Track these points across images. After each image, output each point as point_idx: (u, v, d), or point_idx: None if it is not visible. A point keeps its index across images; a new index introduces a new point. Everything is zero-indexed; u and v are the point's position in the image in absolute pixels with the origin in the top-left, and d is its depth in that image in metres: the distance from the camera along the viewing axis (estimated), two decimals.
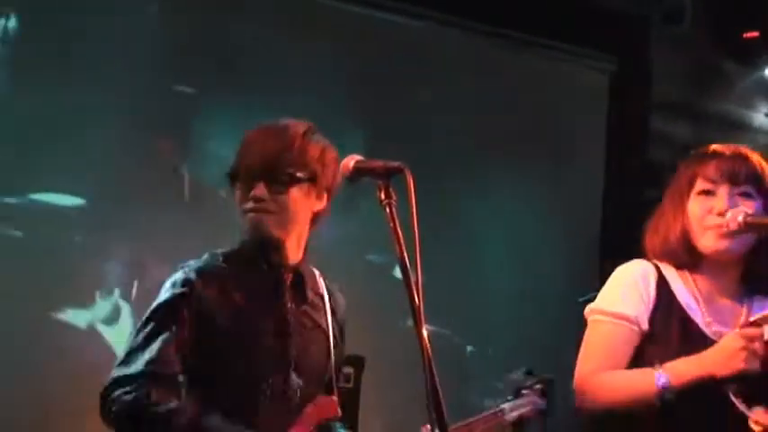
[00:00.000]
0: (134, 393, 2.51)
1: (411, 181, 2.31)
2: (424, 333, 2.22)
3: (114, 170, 4.07)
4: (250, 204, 2.64)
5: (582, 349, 2.91)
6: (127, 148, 4.23)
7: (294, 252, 2.76)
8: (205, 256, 2.74)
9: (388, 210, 2.35)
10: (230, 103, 4.54)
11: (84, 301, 4.10)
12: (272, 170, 2.64)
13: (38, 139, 4.16)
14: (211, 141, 4.50)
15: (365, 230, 4.64)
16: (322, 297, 2.85)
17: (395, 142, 4.53)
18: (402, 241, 2.31)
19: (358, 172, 2.43)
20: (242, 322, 2.66)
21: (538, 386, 2.96)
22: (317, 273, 2.90)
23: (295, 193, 2.68)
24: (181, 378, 2.59)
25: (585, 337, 2.93)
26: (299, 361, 2.72)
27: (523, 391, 2.97)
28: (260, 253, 2.72)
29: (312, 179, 2.71)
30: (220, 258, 2.73)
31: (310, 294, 2.82)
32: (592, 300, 2.99)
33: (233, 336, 2.64)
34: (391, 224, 2.34)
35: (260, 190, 2.62)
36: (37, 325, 3.98)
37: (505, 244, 5.17)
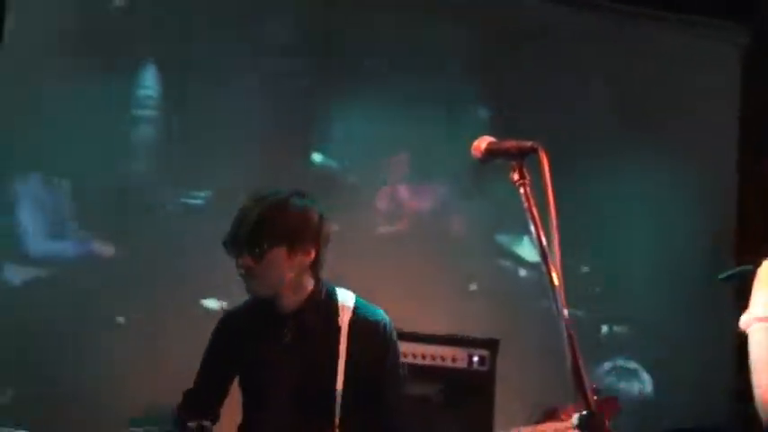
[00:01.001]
0: None
1: (546, 160, 2.27)
2: (566, 313, 2.17)
3: (246, 160, 4.15)
4: (240, 271, 3.08)
5: (754, 363, 2.71)
6: (257, 138, 4.30)
7: (290, 300, 3.10)
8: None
9: (522, 190, 2.31)
10: (361, 91, 4.56)
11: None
12: (251, 243, 3.03)
13: (171, 130, 4.26)
14: (340, 130, 4.54)
15: (494, 212, 4.62)
16: (337, 330, 3.09)
17: (522, 123, 4.48)
18: (538, 222, 2.27)
19: (490, 153, 2.41)
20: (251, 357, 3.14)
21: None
22: (343, 307, 3.13)
23: (274, 257, 3.03)
24: None
25: (753, 349, 2.72)
26: (295, 389, 3.05)
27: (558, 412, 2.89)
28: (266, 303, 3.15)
29: (290, 242, 3.06)
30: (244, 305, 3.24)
31: (318, 329, 3.10)
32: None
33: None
34: (526, 204, 2.30)
35: (245, 260, 3.05)
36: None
37: (638, 224, 5.06)
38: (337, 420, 2.99)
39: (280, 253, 3.03)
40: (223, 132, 4.27)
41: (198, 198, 4.28)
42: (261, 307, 3.15)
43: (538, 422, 2.94)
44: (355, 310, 3.13)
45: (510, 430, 2.92)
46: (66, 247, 4.18)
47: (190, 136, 4.28)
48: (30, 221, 4.14)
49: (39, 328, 4.02)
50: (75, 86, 4.18)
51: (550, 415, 2.89)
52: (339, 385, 3.01)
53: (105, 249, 4.20)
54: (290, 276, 3.07)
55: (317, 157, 4.53)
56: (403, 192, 4.64)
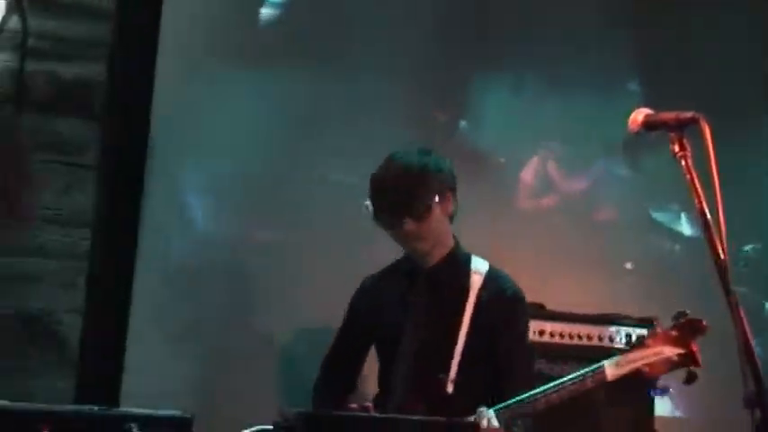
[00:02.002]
0: None
1: (707, 131, 2.23)
2: (732, 289, 2.13)
3: (395, 141, 4.15)
4: (402, 238, 3.17)
5: None
6: (405, 120, 4.30)
7: (433, 255, 3.23)
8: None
9: (683, 162, 2.30)
10: (502, 69, 4.52)
11: None
12: (413, 207, 3.12)
13: (319, 117, 4.30)
14: (487, 110, 4.51)
15: (648, 188, 4.52)
16: (466, 291, 3.18)
17: (673, 96, 4.35)
18: (702, 194, 2.22)
19: (647, 126, 2.42)
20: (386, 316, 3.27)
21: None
22: (475, 271, 3.23)
23: (433, 214, 3.15)
24: None
25: None
26: (418, 342, 3.17)
27: (647, 340, 2.89)
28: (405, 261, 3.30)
29: (441, 194, 3.17)
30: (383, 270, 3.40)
31: (445, 291, 3.21)
32: None
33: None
34: (688, 177, 2.27)
35: (408, 226, 3.13)
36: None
37: None
38: (453, 377, 3.09)
39: (437, 209, 3.17)
40: (370, 115, 4.29)
41: (349, 180, 4.32)
42: (399, 266, 3.34)
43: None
44: (487, 276, 3.25)
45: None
46: (231, 232, 4.28)
47: (338, 120, 4.31)
48: (189, 213, 4.26)
49: (208, 311, 4.13)
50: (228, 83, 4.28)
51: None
52: (459, 345, 3.12)
53: (267, 233, 4.28)
54: (443, 229, 3.21)
55: (464, 136, 4.51)
56: (552, 168, 4.58)
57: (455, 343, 3.12)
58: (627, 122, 2.45)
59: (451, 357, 3.11)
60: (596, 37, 4.59)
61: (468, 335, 3.13)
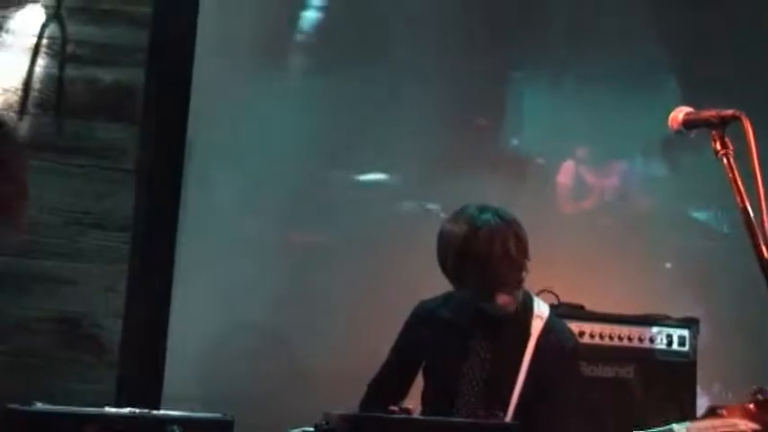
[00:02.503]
0: None
1: (749, 128, 2.20)
2: None
3: (435, 145, 4.16)
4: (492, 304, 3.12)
5: None
6: (444, 122, 4.30)
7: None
8: None
9: (725, 161, 2.26)
10: (541, 75, 4.50)
11: None
12: (513, 280, 3.10)
13: (356, 120, 4.31)
14: (523, 112, 4.49)
15: (687, 187, 4.49)
16: (528, 336, 3.15)
17: (711, 93, 4.31)
18: (744, 193, 2.19)
19: (688, 124, 2.38)
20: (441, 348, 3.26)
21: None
22: (537, 316, 3.19)
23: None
24: None
25: None
26: (478, 382, 3.16)
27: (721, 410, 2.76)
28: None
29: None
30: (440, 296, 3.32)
31: (508, 333, 3.16)
32: None
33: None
34: (730, 175, 2.24)
35: (502, 299, 3.09)
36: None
37: None
38: (509, 419, 3.06)
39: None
40: (412, 120, 4.29)
41: (388, 184, 4.33)
42: (460, 300, 3.26)
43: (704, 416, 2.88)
44: (547, 323, 3.22)
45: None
46: (269, 234, 4.29)
47: (380, 124, 4.32)
48: (228, 215, 4.28)
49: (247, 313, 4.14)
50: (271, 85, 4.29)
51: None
52: (517, 389, 3.11)
53: (305, 235, 4.29)
54: None
55: (503, 139, 4.50)
56: (591, 169, 4.55)
57: (513, 385, 3.11)
58: (665, 121, 2.42)
59: (509, 400, 3.10)
60: (633, 36, 4.56)
61: (526, 379, 3.12)
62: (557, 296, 3.64)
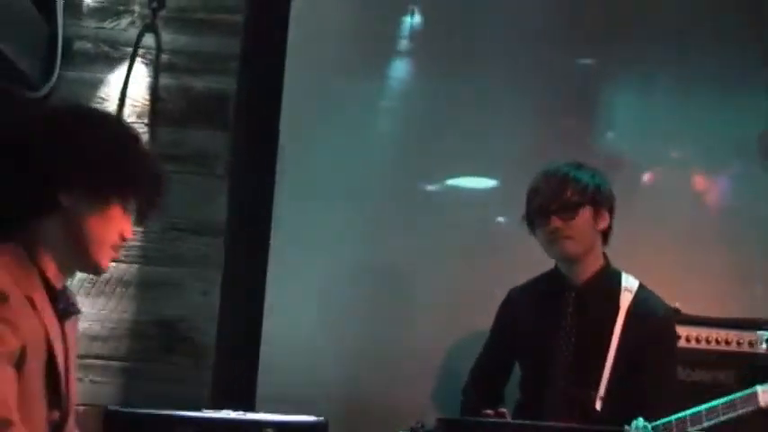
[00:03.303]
0: None
1: None
2: None
3: (525, 147, 4.14)
4: (548, 237, 3.20)
5: None
6: (533, 125, 4.28)
7: (583, 270, 3.24)
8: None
9: None
10: (633, 75, 4.45)
11: None
12: (561, 203, 3.18)
13: (446, 125, 4.31)
14: (615, 113, 4.44)
15: None
16: (616, 310, 3.17)
17: None
18: None
19: None
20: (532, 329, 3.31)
21: None
22: (625, 289, 3.23)
23: (583, 216, 3.19)
24: None
25: None
26: (568, 360, 3.18)
27: None
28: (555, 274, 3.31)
29: (594, 204, 3.22)
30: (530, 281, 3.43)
31: (596, 308, 3.21)
32: None
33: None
34: None
35: (554, 222, 3.17)
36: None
37: None
38: (601, 394, 3.09)
39: (587, 213, 3.21)
40: (502, 123, 4.28)
41: (477, 185, 4.32)
42: (547, 280, 3.36)
43: None
44: (637, 295, 3.24)
45: None
46: (361, 238, 4.32)
47: (469, 127, 4.31)
48: (319, 220, 4.32)
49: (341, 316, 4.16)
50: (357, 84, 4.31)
51: None
52: (608, 363, 3.13)
53: (398, 239, 4.31)
54: (593, 238, 3.23)
55: (594, 140, 4.46)
56: (684, 170, 4.49)
57: (604, 361, 3.12)
58: (759, 121, 2.38)
59: (600, 375, 3.11)
60: (725, 34, 4.47)
61: (617, 353, 3.14)
62: None
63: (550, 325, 3.24)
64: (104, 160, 2.09)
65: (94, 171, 2.08)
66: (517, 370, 3.44)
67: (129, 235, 2.21)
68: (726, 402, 2.92)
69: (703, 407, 2.93)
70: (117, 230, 2.17)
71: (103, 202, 2.13)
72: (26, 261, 2.03)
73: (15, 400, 1.84)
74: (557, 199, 3.18)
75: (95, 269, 2.16)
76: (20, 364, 1.91)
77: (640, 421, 2.86)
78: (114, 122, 2.26)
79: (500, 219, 4.22)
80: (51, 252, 2.07)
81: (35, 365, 1.96)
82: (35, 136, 2.08)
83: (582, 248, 3.22)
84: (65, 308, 2.09)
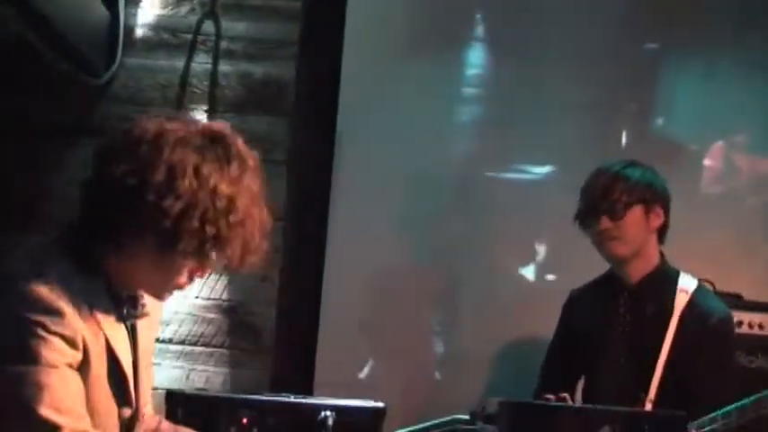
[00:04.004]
0: None
1: None
2: None
3: (585, 132, 4.11)
4: (597, 238, 3.18)
5: None
6: (594, 109, 4.24)
7: (637, 269, 3.19)
8: None
9: None
10: (694, 59, 4.39)
11: None
12: (609, 203, 3.14)
13: (506, 111, 4.29)
14: (677, 99, 4.39)
15: None
16: (670, 311, 3.12)
17: None
18: None
19: None
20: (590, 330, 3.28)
21: None
22: (681, 290, 3.17)
23: (632, 215, 3.14)
24: None
25: None
26: (621, 359, 3.16)
27: None
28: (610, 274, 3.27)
29: (645, 202, 3.15)
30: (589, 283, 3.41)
31: (649, 308, 3.17)
32: None
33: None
34: None
35: (603, 222, 3.14)
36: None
37: None
38: (651, 396, 3.06)
39: (637, 211, 3.16)
40: (562, 108, 4.24)
41: (537, 173, 4.30)
42: (604, 281, 3.32)
43: None
44: (693, 296, 3.19)
45: None
46: (418, 226, 4.32)
47: (525, 113, 4.29)
48: (376, 207, 4.33)
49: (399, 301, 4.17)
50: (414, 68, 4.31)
51: None
52: (660, 365, 3.09)
53: (447, 235, 4.30)
54: (644, 238, 3.18)
55: (655, 125, 4.41)
56: (745, 154, 4.42)
57: (655, 363, 3.09)
58: None
59: (651, 377, 3.08)
60: None
61: (669, 355, 3.10)
62: (712, 284, 3.56)
63: (605, 327, 3.22)
64: (212, 223, 1.94)
65: (174, 236, 1.94)
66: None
67: (202, 277, 2.09)
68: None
69: (747, 401, 2.86)
70: (185, 279, 2.05)
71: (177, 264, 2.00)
72: (90, 269, 2.01)
73: (78, 404, 1.88)
74: (605, 199, 3.15)
75: (156, 298, 2.14)
76: (84, 372, 1.95)
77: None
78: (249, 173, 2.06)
79: (560, 208, 4.19)
80: (115, 268, 2.05)
81: (100, 372, 2.00)
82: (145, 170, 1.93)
83: (631, 249, 3.18)
84: (128, 312, 2.09)
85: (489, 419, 1.82)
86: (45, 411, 1.82)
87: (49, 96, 3.90)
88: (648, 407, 3.05)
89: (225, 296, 3.97)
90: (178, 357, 3.90)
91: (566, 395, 3.00)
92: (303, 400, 3.17)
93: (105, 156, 1.99)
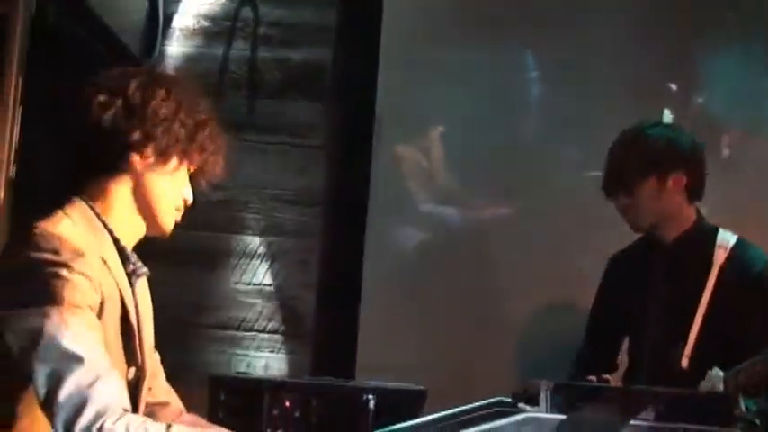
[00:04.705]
0: None
1: None
2: None
3: (626, 113, 4.08)
4: (620, 212, 3.16)
5: None
6: (634, 90, 4.20)
7: (669, 231, 3.15)
8: None
9: None
10: (732, 40, 4.34)
11: None
12: (620, 181, 3.11)
13: (546, 93, 4.28)
14: (717, 77, 4.34)
15: None
16: (709, 266, 3.08)
17: None
18: None
19: None
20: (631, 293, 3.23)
21: None
22: (720, 245, 3.11)
23: (644, 189, 3.09)
24: None
25: None
26: (658, 317, 3.13)
27: None
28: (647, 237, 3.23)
29: (657, 171, 3.08)
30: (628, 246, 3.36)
31: (686, 265, 3.13)
32: None
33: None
34: None
35: (620, 198, 3.13)
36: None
37: None
38: (688, 352, 3.03)
39: (651, 183, 3.10)
40: (603, 89, 4.21)
41: (579, 154, 4.27)
42: (642, 243, 3.27)
43: None
44: (733, 250, 3.12)
45: None
46: (447, 216, 4.32)
47: (566, 93, 4.27)
48: (416, 189, 4.33)
49: (440, 283, 4.19)
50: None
51: None
52: (698, 320, 3.05)
53: (487, 215, 4.30)
54: (665, 206, 3.12)
55: (697, 106, 4.37)
56: None
57: (693, 318, 3.05)
58: None
59: (688, 332, 3.05)
60: None
61: (708, 310, 3.05)
62: None
63: (644, 287, 3.20)
64: (174, 122, 2.15)
65: (165, 134, 2.14)
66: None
67: (190, 199, 2.25)
68: None
69: None
70: (181, 193, 2.22)
71: (170, 164, 2.17)
72: (97, 222, 2.10)
73: (99, 344, 1.91)
74: (615, 176, 3.12)
75: (161, 231, 2.22)
76: (99, 316, 1.98)
77: (716, 370, 2.80)
78: (183, 85, 2.24)
79: (595, 185, 4.15)
80: (120, 214, 2.13)
81: (112, 320, 2.04)
82: (114, 97, 2.13)
83: (653, 219, 3.14)
84: (134, 269, 2.14)
85: (532, 400, 1.83)
86: (67, 343, 1.85)
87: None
88: (685, 362, 3.02)
89: (266, 281, 4.00)
90: (220, 342, 3.93)
91: (608, 377, 3.00)
92: (345, 384, 3.20)
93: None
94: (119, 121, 2.10)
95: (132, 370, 2.11)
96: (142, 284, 2.20)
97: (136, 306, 2.14)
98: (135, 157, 2.13)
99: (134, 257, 2.17)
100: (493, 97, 4.28)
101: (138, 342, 2.11)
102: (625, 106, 4.01)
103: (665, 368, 3.04)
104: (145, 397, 2.18)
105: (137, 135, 2.11)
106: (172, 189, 2.19)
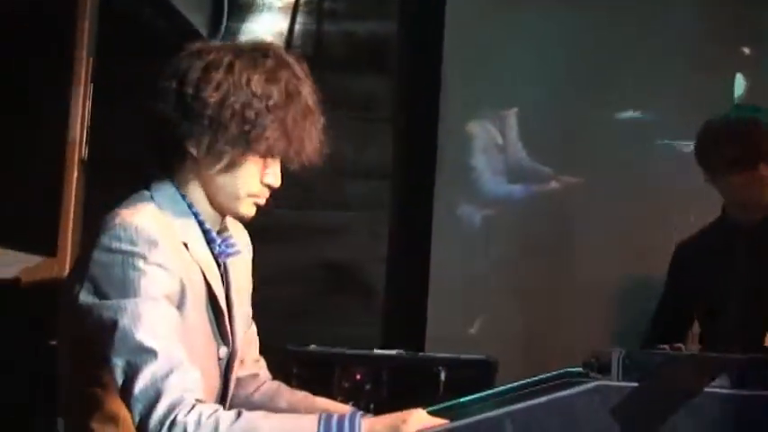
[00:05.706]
0: None
1: None
2: None
3: (691, 80, 4.01)
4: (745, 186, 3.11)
5: None
6: (698, 58, 4.13)
7: (750, 216, 3.15)
8: None
9: None
10: None
11: None
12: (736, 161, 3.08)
13: (610, 59, 4.21)
14: None
15: None
16: None
17: None
18: None
19: None
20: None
21: None
22: None
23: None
24: None
25: None
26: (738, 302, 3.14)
27: None
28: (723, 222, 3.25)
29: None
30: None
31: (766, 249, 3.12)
32: None
33: None
34: None
35: (763, 170, 3.07)
36: None
37: None
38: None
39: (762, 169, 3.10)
40: (667, 56, 4.14)
41: (649, 121, 4.21)
42: (713, 229, 3.28)
43: None
44: None
45: None
46: (515, 188, 4.30)
47: (633, 58, 4.20)
48: (483, 161, 4.31)
49: (509, 255, 4.16)
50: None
51: None
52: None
53: (556, 186, 4.26)
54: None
55: (764, 73, 4.27)
56: None
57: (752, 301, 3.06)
58: None
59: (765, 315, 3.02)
60: None
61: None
62: None
63: (719, 273, 3.19)
64: (233, 114, 1.98)
65: (219, 125, 1.98)
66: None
67: (276, 183, 2.09)
68: None
69: None
70: (254, 182, 2.06)
71: (232, 156, 2.02)
72: (183, 205, 2.06)
73: (174, 334, 1.90)
74: (747, 146, 3.10)
75: (237, 217, 2.17)
76: (180, 304, 1.97)
77: None
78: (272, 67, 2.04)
79: (660, 152, 4.10)
80: (198, 198, 2.09)
81: (197, 304, 2.02)
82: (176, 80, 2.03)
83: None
84: (221, 250, 2.13)
85: (603, 369, 1.81)
86: (142, 336, 1.85)
87: (157, 63, 3.97)
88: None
89: (334, 254, 4.01)
90: (291, 315, 3.96)
91: (680, 345, 2.97)
92: (415, 355, 3.21)
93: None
94: (175, 105, 2.00)
95: (223, 349, 2.11)
96: (234, 263, 2.19)
97: (227, 286, 2.13)
98: (190, 147, 2.01)
99: (220, 239, 2.14)
100: (560, 60, 4.23)
101: (227, 321, 2.10)
102: (689, 73, 3.94)
103: (749, 348, 3.01)
104: (236, 373, 2.19)
105: (189, 123, 1.99)
106: (239, 180, 2.04)
